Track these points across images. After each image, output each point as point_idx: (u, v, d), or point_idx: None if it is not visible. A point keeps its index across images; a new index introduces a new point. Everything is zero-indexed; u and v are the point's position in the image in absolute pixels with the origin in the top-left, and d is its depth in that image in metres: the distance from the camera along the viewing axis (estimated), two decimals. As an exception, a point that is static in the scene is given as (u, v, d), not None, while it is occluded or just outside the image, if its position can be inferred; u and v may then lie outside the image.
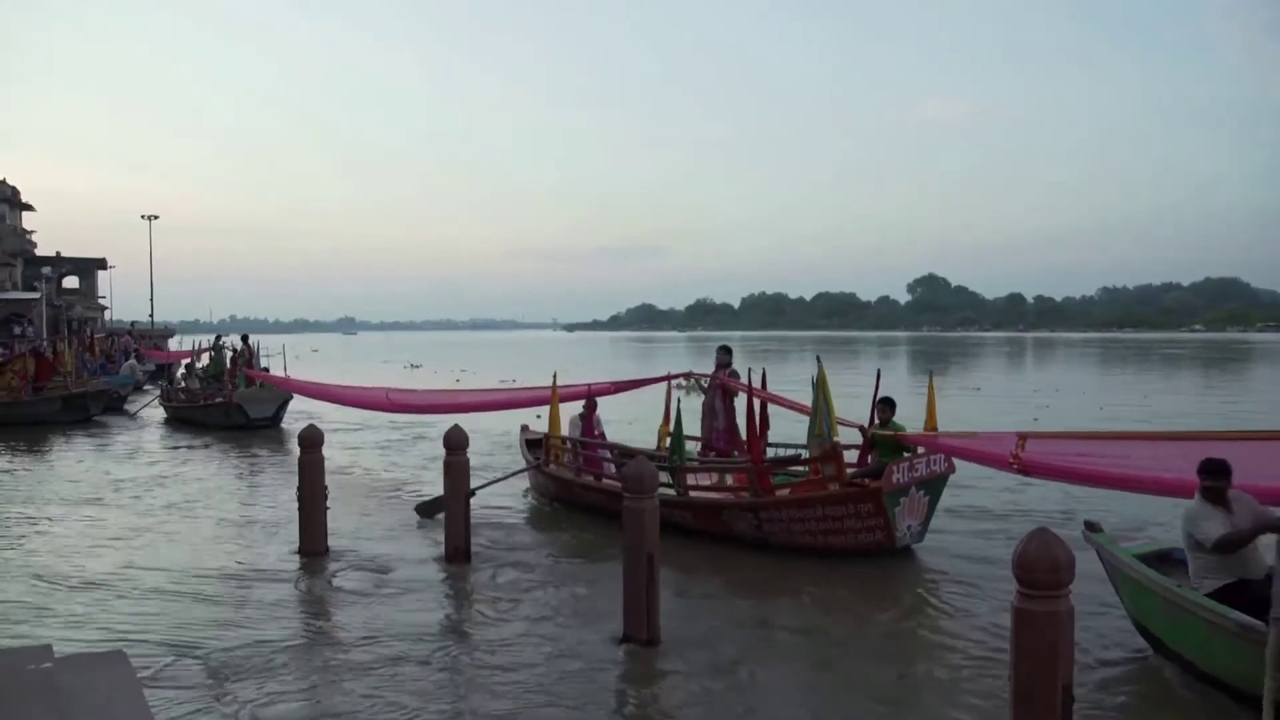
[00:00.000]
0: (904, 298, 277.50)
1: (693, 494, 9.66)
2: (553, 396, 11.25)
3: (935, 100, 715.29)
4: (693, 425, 11.07)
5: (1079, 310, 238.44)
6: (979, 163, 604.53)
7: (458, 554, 8.56)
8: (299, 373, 21.25)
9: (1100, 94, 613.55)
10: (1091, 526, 6.99)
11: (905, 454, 8.77)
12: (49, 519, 10.69)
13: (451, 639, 6.56)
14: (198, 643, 6.34)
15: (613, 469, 10.50)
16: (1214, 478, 5.62)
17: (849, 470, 8.79)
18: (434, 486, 11.21)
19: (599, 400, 11.86)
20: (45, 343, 30.54)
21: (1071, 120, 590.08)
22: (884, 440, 9.01)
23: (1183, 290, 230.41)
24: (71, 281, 65.75)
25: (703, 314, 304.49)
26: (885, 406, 9.26)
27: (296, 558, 8.71)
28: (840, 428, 9.05)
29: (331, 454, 15.41)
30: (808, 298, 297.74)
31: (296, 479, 8.98)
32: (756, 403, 10.19)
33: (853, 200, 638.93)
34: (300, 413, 20.34)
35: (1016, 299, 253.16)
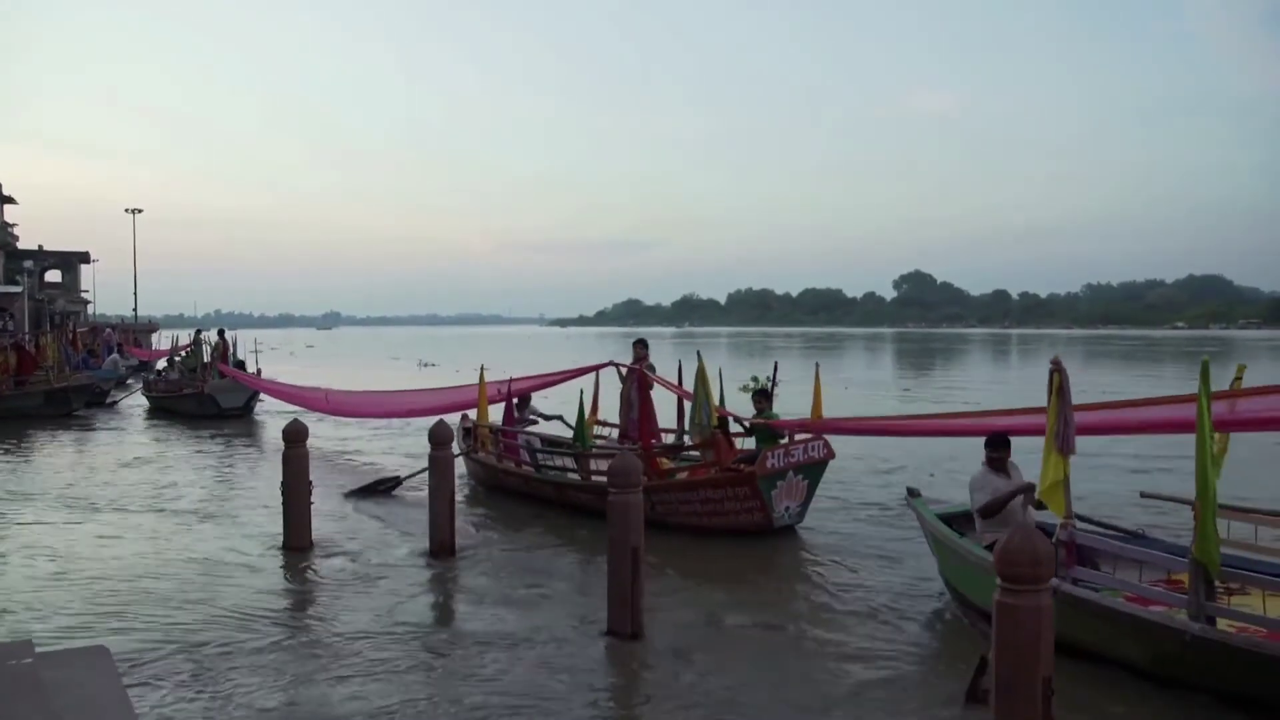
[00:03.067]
0: (890, 294, 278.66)
1: (595, 477, 10.31)
2: (480, 389, 12.02)
3: (921, 94, 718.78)
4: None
5: (1063, 306, 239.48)
6: (964, 157, 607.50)
7: (442, 549, 8.55)
8: (296, 367, 21.57)
9: (1087, 89, 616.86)
10: (912, 492, 7.99)
11: (781, 441, 9.46)
12: (29, 514, 10.60)
13: (435, 634, 6.55)
14: (180, 638, 6.30)
15: (527, 455, 11.56)
16: (995, 449, 6.66)
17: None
18: (421, 482, 11.26)
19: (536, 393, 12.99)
20: (27, 336, 30.31)
21: (1057, 115, 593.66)
22: (761, 429, 9.90)
23: (1167, 287, 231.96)
24: (54, 275, 65.25)
25: (689, 310, 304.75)
26: (762, 398, 10.06)
27: (280, 553, 8.68)
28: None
29: (331, 447, 15.59)
30: (794, 294, 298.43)
31: (276, 472, 8.95)
32: (670, 393, 11.02)
33: (839, 195, 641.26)
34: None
35: (1001, 295, 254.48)
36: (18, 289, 48.33)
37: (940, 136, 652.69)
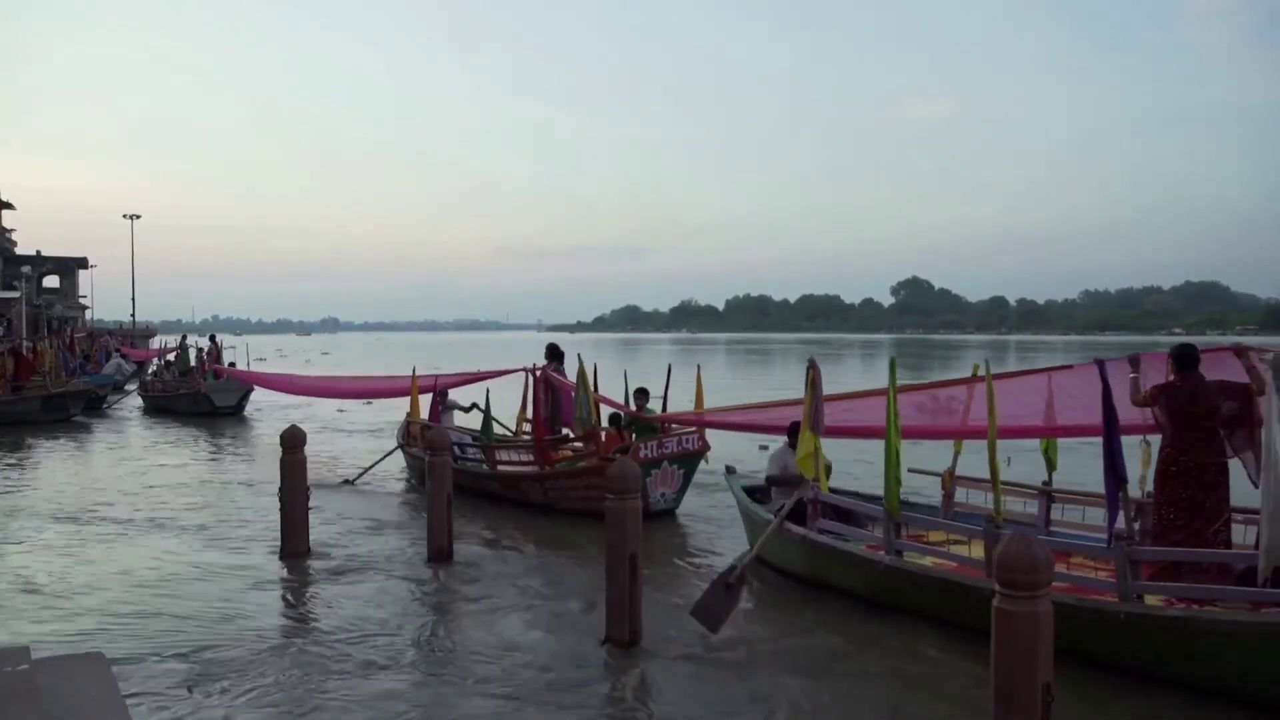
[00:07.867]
0: (887, 300, 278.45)
1: (500, 468, 11.46)
2: (413, 385, 13.09)
3: (917, 100, 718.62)
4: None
5: (1061, 313, 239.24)
6: (962, 163, 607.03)
7: (440, 554, 8.54)
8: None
9: (1083, 95, 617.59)
10: (729, 469, 9.33)
11: (656, 434, 10.42)
12: (26, 520, 10.57)
13: (434, 641, 6.53)
14: (177, 645, 6.29)
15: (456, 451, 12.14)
16: (792, 435, 7.98)
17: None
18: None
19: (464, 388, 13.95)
20: (25, 342, 30.27)
21: (1054, 121, 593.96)
22: (641, 422, 10.76)
23: (1163, 294, 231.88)
24: (52, 281, 65.29)
25: (687, 316, 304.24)
26: (640, 395, 10.95)
27: (278, 559, 8.66)
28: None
29: (326, 451, 15.59)
30: (792, 300, 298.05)
31: (271, 475, 8.92)
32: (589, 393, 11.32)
33: (837, 201, 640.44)
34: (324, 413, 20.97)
35: (999, 301, 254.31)
36: (15, 294, 48.25)
37: (937, 142, 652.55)
